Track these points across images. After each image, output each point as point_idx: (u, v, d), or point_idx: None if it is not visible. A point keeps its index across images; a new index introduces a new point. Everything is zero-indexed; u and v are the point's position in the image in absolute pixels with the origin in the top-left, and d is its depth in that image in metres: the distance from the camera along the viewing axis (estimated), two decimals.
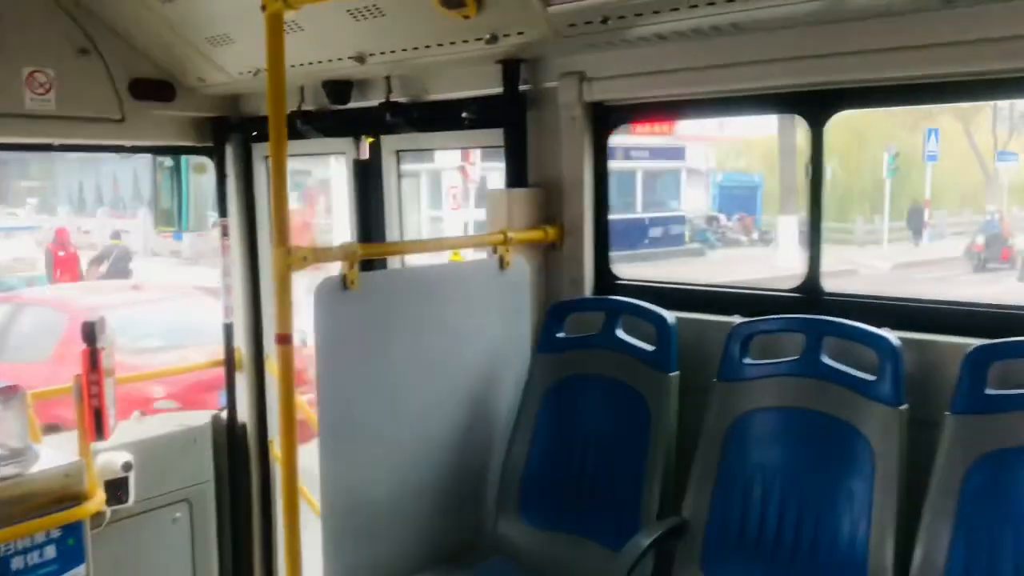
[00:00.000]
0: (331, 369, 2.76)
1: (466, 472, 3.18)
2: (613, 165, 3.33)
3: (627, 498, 2.85)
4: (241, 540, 4.56)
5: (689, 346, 2.92)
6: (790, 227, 15.38)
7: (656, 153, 20.34)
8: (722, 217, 21.11)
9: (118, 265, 17.29)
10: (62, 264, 17.60)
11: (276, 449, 4.46)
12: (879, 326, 2.57)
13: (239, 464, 4.53)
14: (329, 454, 2.77)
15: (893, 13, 2.48)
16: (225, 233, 4.47)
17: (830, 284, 2.83)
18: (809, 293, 2.85)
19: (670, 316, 2.93)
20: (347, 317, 2.79)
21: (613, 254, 3.35)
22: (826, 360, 2.60)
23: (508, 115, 3.32)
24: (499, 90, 3.29)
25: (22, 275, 18.40)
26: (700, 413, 2.78)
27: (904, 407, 2.43)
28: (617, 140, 3.39)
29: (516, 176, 3.34)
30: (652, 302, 3.01)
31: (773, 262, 15.25)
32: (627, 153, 18.67)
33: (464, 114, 3.41)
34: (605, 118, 3.25)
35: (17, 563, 3.35)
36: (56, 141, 3.97)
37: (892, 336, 2.50)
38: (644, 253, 16.55)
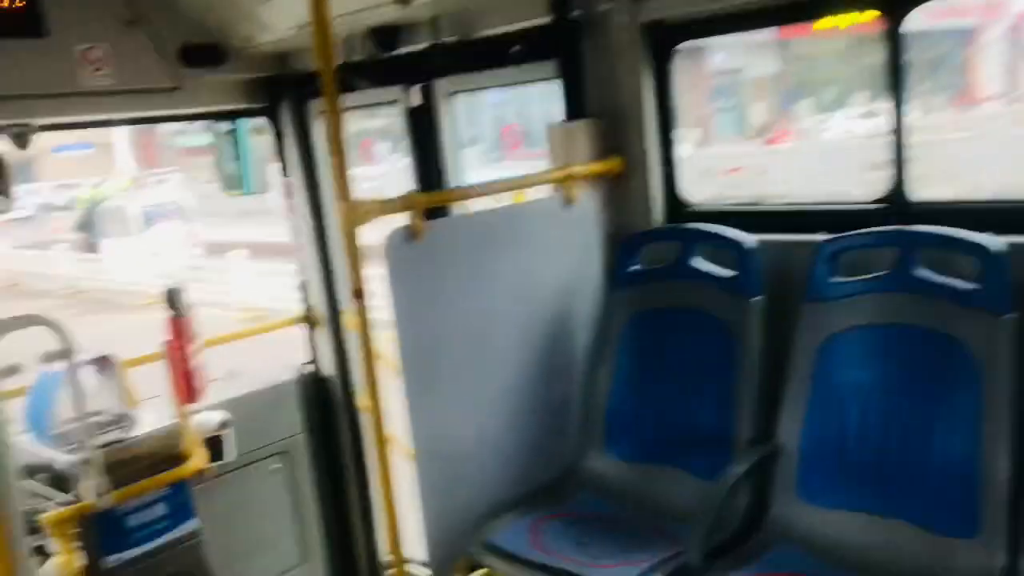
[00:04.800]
0: (407, 320, 2.76)
1: (550, 409, 3.18)
2: None
3: (717, 427, 2.81)
4: (338, 486, 4.70)
5: (771, 269, 2.82)
6: None
7: None
8: None
9: None
10: None
11: (362, 400, 4.55)
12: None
13: (328, 416, 4.63)
14: (414, 404, 2.80)
15: None
16: (289, 193, 4.48)
17: (918, 192, 2.68)
18: (895, 203, 2.71)
19: (749, 239, 2.83)
20: (417, 266, 2.77)
21: None
22: (921, 272, 2.47)
23: (560, 44, 3.20)
24: (549, 19, 3.17)
25: None
26: (787, 338, 2.70)
27: (1012, 316, 2.30)
28: None
29: (574, 108, 3.23)
30: (728, 226, 2.91)
31: None
32: None
33: (514, 48, 3.30)
34: (664, 38, 3.10)
35: (133, 521, 3.54)
36: (116, 116, 3.99)
37: (994, 241, 2.36)
38: None
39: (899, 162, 2.68)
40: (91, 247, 24.36)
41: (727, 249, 2.87)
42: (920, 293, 2.46)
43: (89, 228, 25.08)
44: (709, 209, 3.18)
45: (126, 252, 22.13)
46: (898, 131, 2.66)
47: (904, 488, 2.46)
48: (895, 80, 2.64)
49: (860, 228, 2.67)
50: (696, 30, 3.13)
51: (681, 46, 3.13)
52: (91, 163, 30.83)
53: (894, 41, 2.61)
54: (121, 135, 29.61)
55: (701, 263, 2.95)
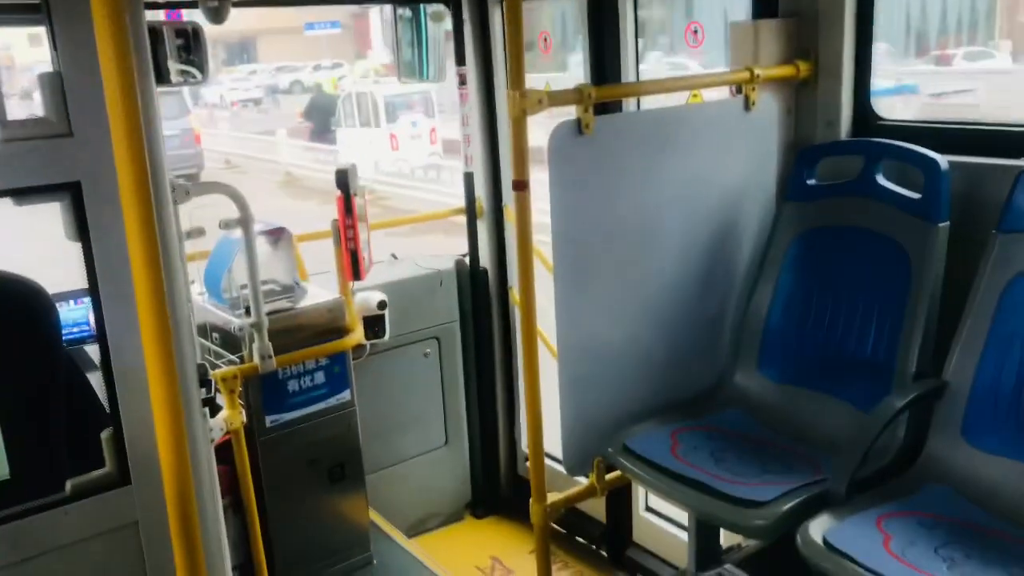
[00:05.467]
0: (566, 214, 2.74)
1: (703, 321, 3.11)
2: None
3: (880, 357, 2.66)
4: (485, 374, 4.83)
5: (962, 194, 2.59)
6: None
7: None
8: None
9: None
10: None
11: (515, 294, 4.61)
12: None
13: (481, 307, 4.73)
14: (564, 300, 2.80)
15: None
16: (463, 82, 4.49)
17: None
18: None
19: (942, 160, 2.60)
20: (582, 161, 2.73)
21: None
22: None
23: None
24: None
25: None
26: (970, 269, 2.49)
27: None
28: None
29: (764, 4, 3.04)
30: (921, 144, 2.69)
31: None
32: None
33: None
34: None
35: (293, 386, 3.75)
36: None
37: None
38: None
39: None
40: (323, 138, 22.27)
41: (915, 168, 2.66)
42: None
43: (318, 116, 23.24)
44: (900, 124, 2.94)
45: (365, 145, 19.84)
46: None
47: None
48: None
49: None
50: None
51: None
52: (333, 44, 28.84)
53: None
54: (375, 13, 27.04)
55: (885, 182, 2.74)
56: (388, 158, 19.71)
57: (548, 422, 2.95)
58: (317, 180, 19.52)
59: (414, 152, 19.93)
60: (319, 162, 21.21)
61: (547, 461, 3.60)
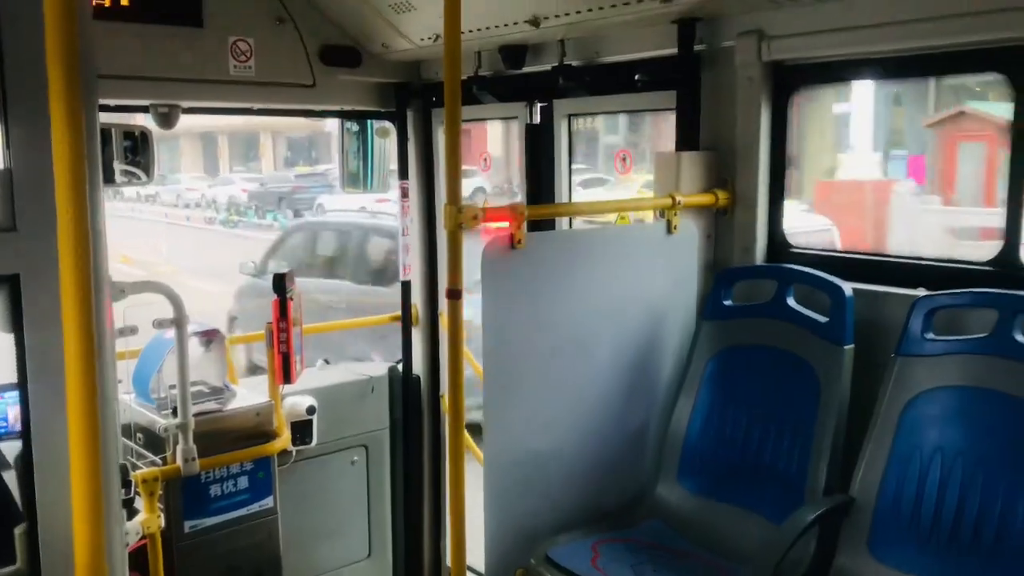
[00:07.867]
0: (497, 325, 2.83)
1: (625, 434, 3.19)
2: None
3: (792, 472, 2.77)
4: (413, 484, 4.79)
5: (865, 319, 2.78)
6: None
7: None
8: None
9: None
10: None
11: (447, 403, 4.63)
12: None
13: (412, 415, 4.74)
14: (493, 408, 2.87)
15: None
16: (404, 195, 4.65)
17: None
18: (1005, 266, 2.63)
19: (847, 287, 2.79)
20: (514, 275, 2.85)
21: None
22: (1021, 339, 2.40)
23: (682, 76, 3.25)
24: (674, 51, 3.22)
25: None
26: (873, 389, 2.65)
27: None
28: None
29: (687, 138, 3.27)
30: (828, 272, 2.88)
31: None
32: None
33: (637, 76, 3.37)
34: (785, 79, 3.11)
35: (215, 490, 3.69)
36: (256, 105, 4.25)
37: None
38: None
39: (1014, 227, 2.61)
40: None
41: (823, 293, 2.84)
42: (1018, 359, 2.38)
43: None
44: (810, 252, 3.15)
45: None
46: (1015, 197, 2.59)
47: (982, 561, 2.36)
48: (1018, 146, 2.56)
49: (962, 288, 2.61)
50: (821, 75, 3.12)
51: (802, 90, 3.14)
52: None
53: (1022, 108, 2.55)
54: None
55: (795, 305, 2.92)
56: None
57: (475, 535, 2.95)
58: None
59: None
60: None
61: (471, 574, 3.56)
